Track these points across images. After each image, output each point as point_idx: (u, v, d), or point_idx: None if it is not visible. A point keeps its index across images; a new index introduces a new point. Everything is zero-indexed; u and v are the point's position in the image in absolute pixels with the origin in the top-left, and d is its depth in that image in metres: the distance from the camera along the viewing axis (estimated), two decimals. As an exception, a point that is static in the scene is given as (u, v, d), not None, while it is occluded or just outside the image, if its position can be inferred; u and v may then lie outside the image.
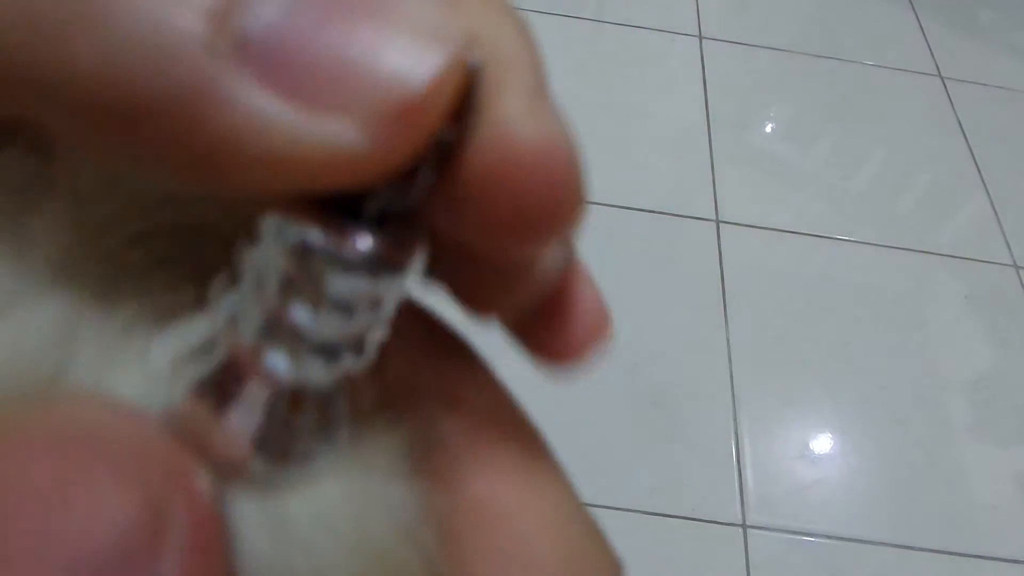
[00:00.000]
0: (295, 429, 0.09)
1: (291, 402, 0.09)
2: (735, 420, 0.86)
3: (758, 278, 0.99)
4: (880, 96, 1.24)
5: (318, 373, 0.09)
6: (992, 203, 1.12)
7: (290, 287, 0.08)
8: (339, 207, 0.08)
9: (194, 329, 0.09)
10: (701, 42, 1.26)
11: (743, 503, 0.81)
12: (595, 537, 0.11)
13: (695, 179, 1.08)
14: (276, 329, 0.09)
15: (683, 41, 1.26)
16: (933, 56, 1.31)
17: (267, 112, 0.07)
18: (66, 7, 0.06)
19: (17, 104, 0.07)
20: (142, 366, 0.09)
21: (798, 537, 0.80)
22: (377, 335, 0.09)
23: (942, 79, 1.28)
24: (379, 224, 0.08)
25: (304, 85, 0.07)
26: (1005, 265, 1.05)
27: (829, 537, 0.80)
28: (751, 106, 1.20)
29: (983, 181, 1.15)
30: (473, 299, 0.10)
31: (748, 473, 0.83)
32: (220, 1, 0.07)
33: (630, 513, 0.78)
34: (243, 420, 0.09)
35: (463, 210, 0.08)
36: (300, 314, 0.08)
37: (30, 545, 0.06)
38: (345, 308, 0.09)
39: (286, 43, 0.07)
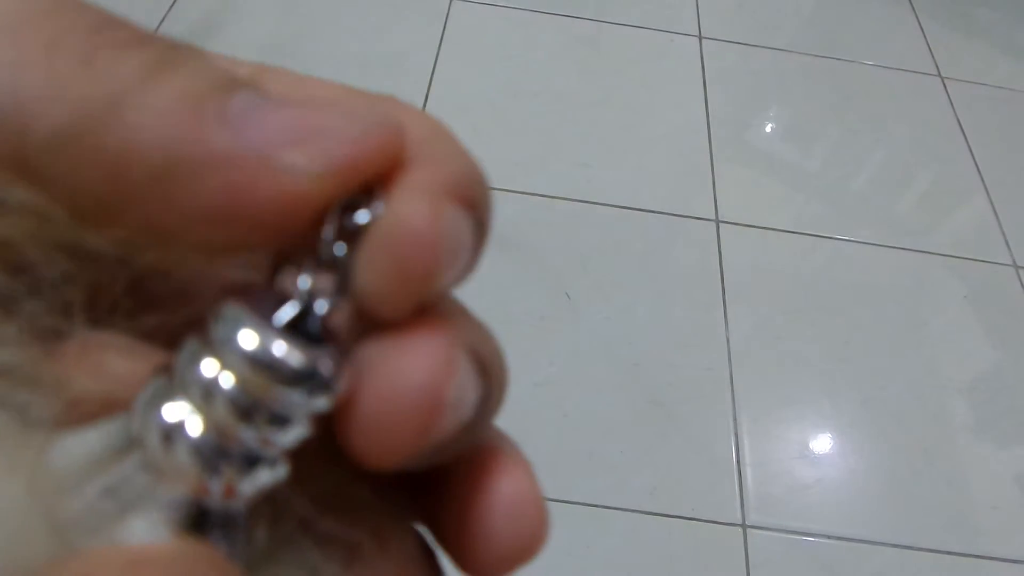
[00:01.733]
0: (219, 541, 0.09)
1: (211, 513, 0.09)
2: (735, 420, 0.86)
3: (758, 278, 0.99)
4: (880, 96, 1.24)
5: (249, 485, 0.09)
6: (992, 203, 1.12)
7: (237, 402, 0.09)
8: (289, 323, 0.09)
9: (105, 432, 0.09)
10: (701, 42, 1.26)
11: (743, 503, 0.81)
12: None
13: (695, 179, 1.08)
14: (222, 443, 0.09)
15: (683, 41, 1.26)
16: (933, 56, 1.31)
17: (240, 149, 0.10)
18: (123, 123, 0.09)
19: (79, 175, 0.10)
20: (37, 468, 0.09)
21: (798, 537, 0.80)
22: (286, 450, 0.10)
23: (942, 79, 1.28)
24: (318, 344, 0.09)
25: (267, 137, 0.10)
26: (1005, 265, 1.05)
27: (829, 537, 0.80)
28: (751, 106, 1.20)
29: (983, 181, 1.15)
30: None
31: (748, 473, 0.83)
32: (211, 97, 0.10)
33: (630, 513, 0.78)
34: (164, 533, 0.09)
35: (365, 259, 0.10)
36: (246, 431, 0.09)
37: None
38: (283, 421, 0.09)
39: (251, 118, 0.10)
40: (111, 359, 0.10)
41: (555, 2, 1.25)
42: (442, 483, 0.12)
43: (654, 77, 1.21)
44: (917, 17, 1.37)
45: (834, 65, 1.27)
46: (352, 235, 0.10)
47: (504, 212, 0.96)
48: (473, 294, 0.13)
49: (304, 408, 0.09)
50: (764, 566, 0.77)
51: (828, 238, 1.05)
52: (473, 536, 0.11)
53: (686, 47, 1.25)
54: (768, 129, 1.19)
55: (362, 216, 0.10)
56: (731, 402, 0.87)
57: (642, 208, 1.02)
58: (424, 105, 1.07)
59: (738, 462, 0.83)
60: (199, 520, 0.09)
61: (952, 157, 1.18)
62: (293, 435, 0.09)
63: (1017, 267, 1.05)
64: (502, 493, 0.11)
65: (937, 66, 1.30)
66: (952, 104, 1.24)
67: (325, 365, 0.09)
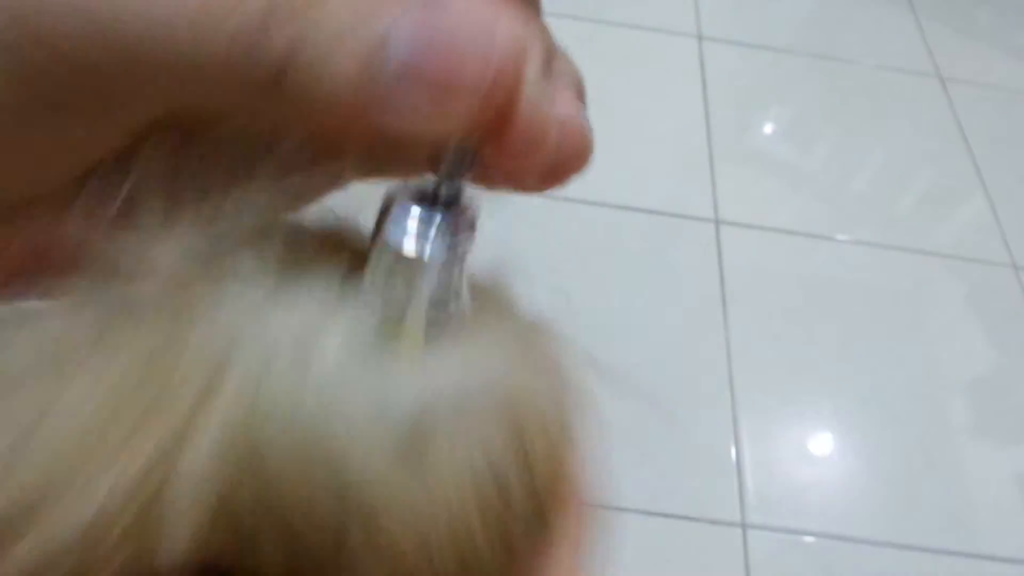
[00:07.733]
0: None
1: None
2: (735, 420, 0.86)
3: (758, 278, 0.99)
4: (879, 96, 1.24)
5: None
6: (991, 203, 1.12)
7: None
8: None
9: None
10: (701, 42, 1.26)
11: (743, 503, 0.81)
12: None
13: (694, 179, 1.08)
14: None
15: (683, 41, 1.26)
16: (932, 57, 1.31)
17: (407, 100, 0.12)
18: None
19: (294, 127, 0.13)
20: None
21: (798, 537, 0.80)
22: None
23: (941, 80, 1.28)
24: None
25: (432, 84, 0.12)
26: (1004, 265, 1.05)
27: (828, 537, 0.80)
28: (751, 106, 1.20)
29: (982, 181, 1.15)
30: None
31: (748, 473, 0.83)
32: (369, 56, 0.12)
33: (630, 513, 0.78)
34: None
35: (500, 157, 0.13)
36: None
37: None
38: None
39: (412, 69, 0.12)
40: None
41: (554, 2, 1.24)
42: None
43: (654, 77, 1.21)
44: (917, 17, 1.37)
45: (834, 65, 1.27)
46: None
47: (504, 213, 0.96)
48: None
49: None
50: (764, 566, 0.77)
51: (827, 238, 1.05)
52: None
53: (686, 47, 1.25)
54: (768, 129, 1.19)
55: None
56: (731, 402, 0.87)
57: (642, 208, 1.02)
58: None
59: (738, 462, 0.83)
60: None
61: (951, 157, 1.18)
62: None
63: (1016, 267, 1.05)
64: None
65: (937, 66, 1.30)
66: (951, 104, 1.24)
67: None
